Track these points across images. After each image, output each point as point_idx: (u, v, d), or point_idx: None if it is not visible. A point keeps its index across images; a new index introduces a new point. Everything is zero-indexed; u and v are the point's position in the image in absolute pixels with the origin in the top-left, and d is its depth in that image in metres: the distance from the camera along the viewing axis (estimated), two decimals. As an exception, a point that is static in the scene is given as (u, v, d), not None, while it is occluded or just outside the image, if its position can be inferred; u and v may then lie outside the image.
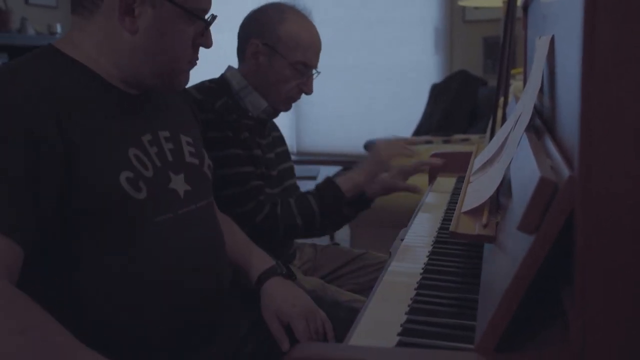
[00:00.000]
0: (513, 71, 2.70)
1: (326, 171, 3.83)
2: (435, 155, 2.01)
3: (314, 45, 1.53)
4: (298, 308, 1.17)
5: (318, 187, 1.54)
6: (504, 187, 0.97)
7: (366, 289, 1.48)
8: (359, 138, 4.93)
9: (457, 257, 1.06)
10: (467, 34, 5.06)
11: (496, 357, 0.63)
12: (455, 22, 5.11)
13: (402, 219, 1.44)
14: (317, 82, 1.60)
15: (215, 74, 1.58)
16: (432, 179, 1.81)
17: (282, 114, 1.66)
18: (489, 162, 1.22)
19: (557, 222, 0.59)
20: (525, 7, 1.58)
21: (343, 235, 3.41)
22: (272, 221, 1.44)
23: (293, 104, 1.61)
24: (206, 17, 1.06)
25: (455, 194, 1.57)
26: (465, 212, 1.04)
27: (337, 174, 1.73)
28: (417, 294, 0.88)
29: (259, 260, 1.27)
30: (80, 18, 1.01)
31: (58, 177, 0.89)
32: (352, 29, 5.34)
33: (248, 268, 1.26)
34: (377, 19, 5.28)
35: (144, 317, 0.98)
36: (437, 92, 4.78)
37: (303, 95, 1.59)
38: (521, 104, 1.04)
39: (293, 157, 1.79)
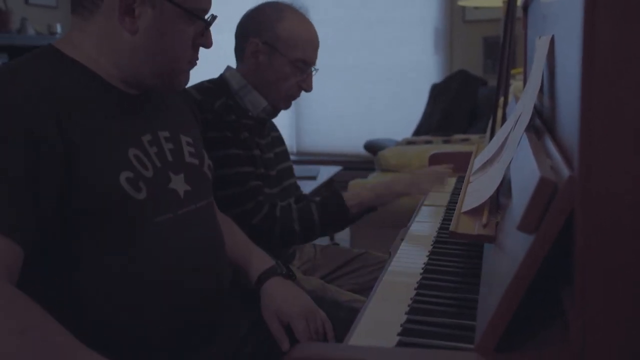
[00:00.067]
0: (513, 71, 2.71)
1: (326, 171, 3.83)
2: (435, 155, 2.02)
3: (312, 43, 1.54)
4: (298, 308, 1.17)
5: (323, 197, 1.53)
6: (504, 187, 0.97)
7: (366, 289, 1.48)
8: (359, 138, 4.94)
9: (457, 257, 1.06)
10: (467, 34, 5.07)
11: (496, 357, 0.63)
12: (455, 22, 5.11)
13: (402, 219, 1.44)
14: (317, 82, 1.60)
15: (215, 74, 1.58)
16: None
17: (282, 114, 1.66)
18: (489, 162, 1.22)
19: (557, 222, 0.59)
20: (525, 7, 1.59)
21: (343, 235, 3.41)
22: (270, 222, 1.44)
23: (293, 104, 1.61)
24: (206, 17, 1.06)
25: (455, 194, 1.57)
26: (465, 212, 1.04)
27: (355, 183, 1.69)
28: (417, 294, 0.88)
29: (259, 260, 1.27)
30: (80, 18, 1.01)
31: (58, 177, 0.89)
32: (352, 29, 5.34)
33: (248, 268, 1.26)
34: (377, 19, 5.28)
35: (144, 317, 0.98)
36: (437, 92, 4.78)
37: (303, 95, 1.59)
38: (521, 104, 1.04)
39: (293, 157, 1.78)
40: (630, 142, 0.56)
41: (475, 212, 1.02)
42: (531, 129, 0.96)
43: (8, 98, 0.88)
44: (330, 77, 5.24)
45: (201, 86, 1.51)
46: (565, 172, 0.62)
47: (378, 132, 5.03)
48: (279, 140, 1.68)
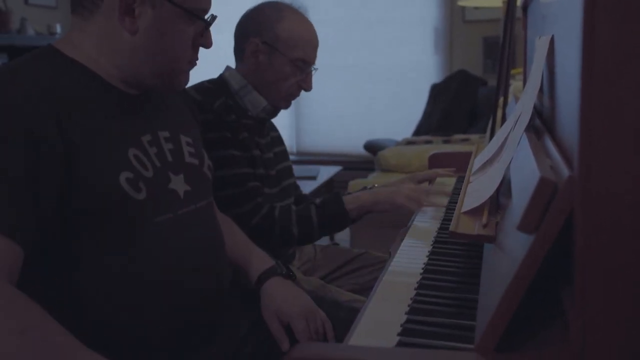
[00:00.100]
0: (513, 71, 2.71)
1: (326, 171, 3.83)
2: (434, 155, 2.02)
3: (312, 42, 1.54)
4: (298, 308, 1.17)
5: (323, 200, 1.52)
6: (504, 187, 0.97)
7: (366, 289, 1.48)
8: (359, 138, 4.94)
9: (457, 257, 1.06)
10: (466, 34, 5.07)
11: (496, 357, 0.63)
12: (455, 22, 5.11)
13: (402, 219, 1.44)
14: (317, 82, 1.60)
15: (215, 74, 1.58)
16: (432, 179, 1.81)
17: (281, 114, 1.66)
18: (489, 162, 1.22)
19: (557, 222, 0.59)
20: (525, 7, 1.59)
21: (343, 235, 3.41)
22: (269, 223, 1.44)
23: (293, 104, 1.61)
24: (206, 17, 1.06)
25: (455, 194, 1.57)
26: (465, 212, 1.04)
27: (364, 189, 1.66)
28: (417, 294, 0.88)
29: (259, 260, 1.27)
30: (80, 18, 1.01)
31: (58, 177, 0.89)
32: (352, 29, 5.34)
33: (248, 268, 1.26)
34: (377, 19, 5.28)
35: (144, 317, 0.98)
36: (436, 92, 4.78)
37: (303, 95, 1.59)
38: (521, 104, 1.05)
39: (293, 157, 1.78)
40: (630, 142, 0.56)
41: (475, 212, 1.02)
42: (531, 129, 0.96)
43: (8, 98, 0.88)
44: (330, 77, 5.24)
45: (201, 86, 1.51)
46: (565, 172, 0.62)
47: (378, 132, 5.03)
48: (279, 140, 1.68)
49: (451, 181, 1.76)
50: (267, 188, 1.51)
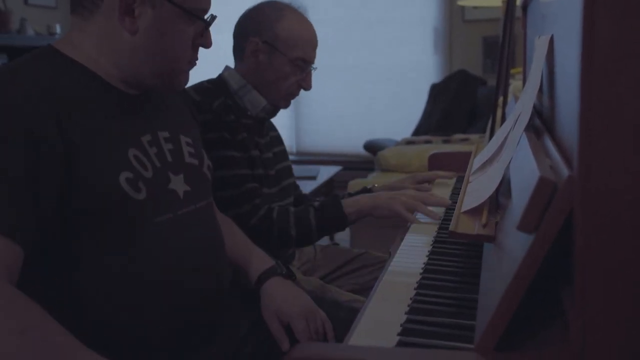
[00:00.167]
0: (512, 71, 2.71)
1: (326, 171, 3.83)
2: (434, 155, 2.02)
3: (312, 41, 1.54)
4: (298, 308, 1.17)
5: (322, 202, 1.52)
6: (504, 187, 0.97)
7: (366, 289, 1.48)
8: (359, 138, 4.94)
9: (457, 257, 1.06)
10: (466, 34, 5.07)
11: (496, 356, 0.63)
12: (454, 22, 5.11)
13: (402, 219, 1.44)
14: (317, 82, 1.60)
15: (215, 74, 1.58)
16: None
17: (281, 114, 1.65)
18: (489, 161, 1.22)
19: (557, 221, 0.59)
20: (525, 7, 1.59)
21: (343, 235, 3.41)
22: (267, 225, 1.43)
23: (292, 104, 1.61)
24: (206, 17, 1.06)
25: (455, 194, 1.57)
26: (464, 212, 1.04)
27: (361, 191, 1.66)
28: (417, 294, 0.88)
29: (259, 260, 1.27)
30: (80, 18, 1.01)
31: (58, 177, 0.89)
32: (352, 29, 5.34)
33: (248, 268, 1.26)
34: (377, 19, 5.28)
35: (144, 317, 0.98)
36: (436, 92, 4.79)
37: (303, 95, 1.59)
38: (520, 104, 1.05)
39: (293, 157, 1.78)
40: (629, 141, 0.56)
41: (475, 212, 1.02)
42: (530, 128, 0.96)
43: (8, 98, 0.88)
44: (330, 77, 5.25)
45: (200, 86, 1.51)
46: (565, 171, 0.62)
47: (378, 132, 5.03)
48: (278, 139, 1.68)
49: (451, 182, 1.76)
50: (266, 188, 1.51)
